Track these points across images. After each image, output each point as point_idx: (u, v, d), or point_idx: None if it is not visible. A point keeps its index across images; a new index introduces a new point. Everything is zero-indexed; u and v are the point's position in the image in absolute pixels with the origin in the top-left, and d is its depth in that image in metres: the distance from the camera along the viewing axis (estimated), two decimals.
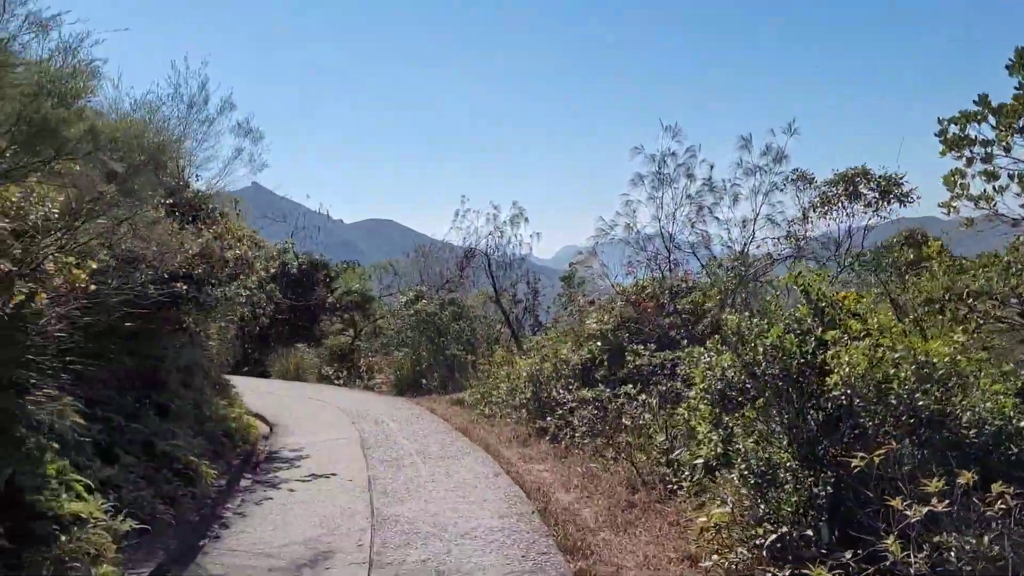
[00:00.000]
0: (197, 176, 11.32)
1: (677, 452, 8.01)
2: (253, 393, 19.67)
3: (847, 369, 5.12)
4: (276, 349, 27.09)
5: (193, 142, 9.15)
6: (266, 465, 11.17)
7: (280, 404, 17.91)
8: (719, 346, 5.90)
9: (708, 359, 5.96)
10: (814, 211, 16.67)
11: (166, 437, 8.93)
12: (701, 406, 6.08)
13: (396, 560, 6.52)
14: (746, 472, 5.41)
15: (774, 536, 5.05)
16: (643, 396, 10.42)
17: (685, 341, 9.98)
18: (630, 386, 10.52)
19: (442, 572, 6.14)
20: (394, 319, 23.22)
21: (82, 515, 6.12)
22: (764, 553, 5.22)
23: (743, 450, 5.61)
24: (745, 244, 12.08)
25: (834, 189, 16.95)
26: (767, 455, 5.53)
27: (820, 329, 5.63)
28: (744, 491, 5.60)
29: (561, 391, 13.53)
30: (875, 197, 16.98)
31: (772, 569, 5.11)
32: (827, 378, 5.30)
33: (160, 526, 7.21)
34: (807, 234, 16.35)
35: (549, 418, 12.88)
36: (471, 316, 21.79)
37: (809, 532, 4.98)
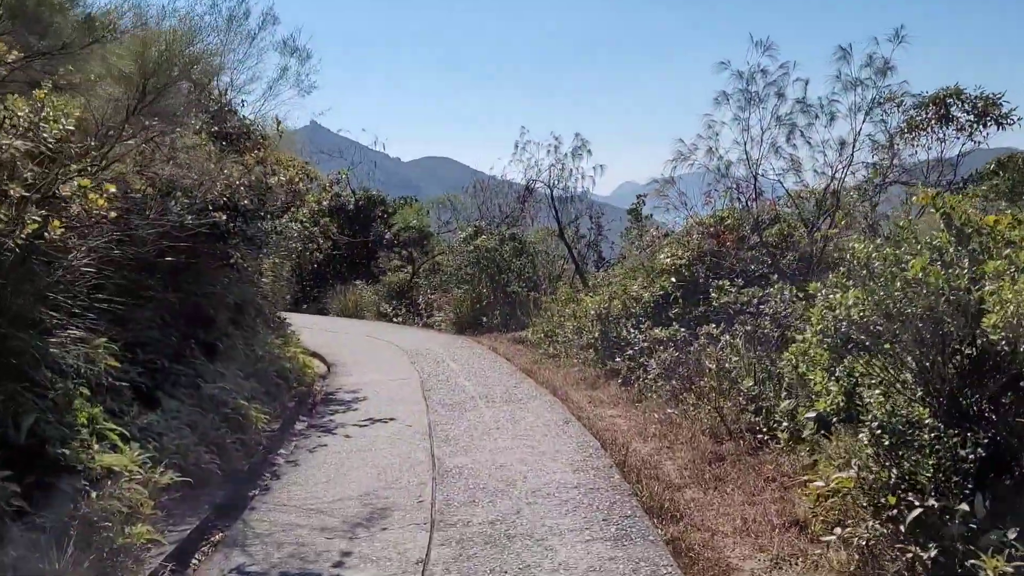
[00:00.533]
0: (243, 102, 10.55)
1: (783, 401, 7.09)
2: (311, 331, 19.27)
3: (1013, 308, 4.13)
4: (334, 286, 26.69)
5: (234, 59, 8.33)
6: (322, 408, 10.61)
7: (338, 342, 17.44)
8: (844, 280, 4.93)
9: (828, 297, 4.99)
10: (900, 137, 15.27)
11: (214, 379, 8.36)
12: (816, 351, 5.14)
13: (460, 520, 5.82)
14: (879, 431, 4.50)
15: (919, 510, 4.15)
16: (726, 336, 9.49)
17: (775, 276, 8.97)
18: (712, 326, 9.58)
19: (513, 537, 5.40)
20: (453, 255, 22.49)
21: (115, 468, 5.53)
22: (901, 528, 4.33)
23: (870, 403, 4.68)
24: (843, 168, 10.88)
25: (923, 113, 15.48)
26: (902, 410, 4.60)
27: (967, 261, 4.61)
28: (869, 451, 4.70)
29: (631, 330, 12.69)
30: (969, 120, 15.50)
31: (913, 548, 4.23)
32: (982, 319, 4.32)
33: (205, 477, 6.64)
34: (894, 161, 14.94)
35: (619, 359, 12.06)
36: (532, 252, 20.93)
37: (964, 506, 4.06)
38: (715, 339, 9.83)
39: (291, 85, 9.42)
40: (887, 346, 4.79)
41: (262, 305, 12.53)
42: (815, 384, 5.21)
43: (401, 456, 7.76)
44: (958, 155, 15.76)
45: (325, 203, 12.36)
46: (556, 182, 20.66)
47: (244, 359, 9.88)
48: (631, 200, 23.15)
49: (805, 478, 5.92)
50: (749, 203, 11.36)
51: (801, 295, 9.46)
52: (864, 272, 4.67)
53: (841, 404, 4.78)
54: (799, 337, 5.86)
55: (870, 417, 4.55)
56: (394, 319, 22.78)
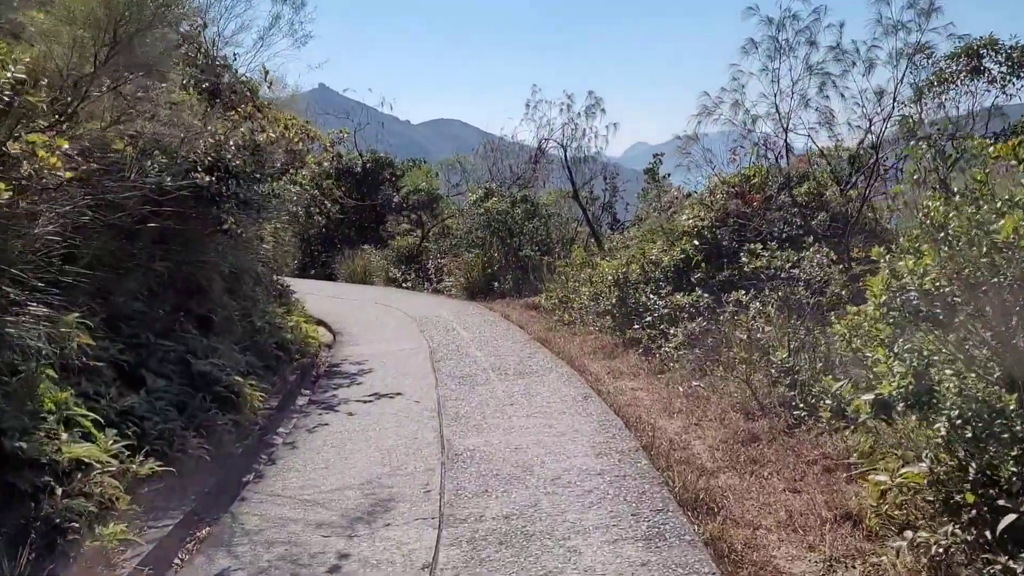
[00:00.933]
0: (235, 55, 9.84)
1: (825, 377, 6.44)
2: (318, 297, 18.71)
3: None
4: (342, 251, 26.07)
5: (221, 7, 7.61)
6: (325, 381, 10.03)
7: (345, 309, 16.87)
8: (915, 244, 4.24)
9: (895, 264, 4.30)
10: (929, 91, 14.39)
11: (206, 354, 7.76)
12: (877, 326, 4.47)
13: (472, 515, 5.22)
14: (959, 420, 3.84)
15: (1013, 516, 3.51)
16: (756, 304, 8.82)
17: (809, 237, 8.26)
18: (742, 292, 8.90)
19: (531, 536, 4.80)
20: (463, 218, 21.81)
21: (85, 460, 4.95)
22: (987, 534, 3.70)
23: (948, 388, 4.02)
24: (883, 121, 10.09)
25: (953, 65, 14.58)
26: (978, 394, 3.94)
27: None
28: (943, 441, 4.05)
29: (651, 296, 12.03)
30: (1002, 72, 14.60)
31: (1001, 558, 3.60)
32: None
33: (193, 464, 6.06)
34: (922, 116, 14.05)
35: (638, 326, 11.42)
36: (545, 214, 20.20)
37: None
38: (744, 307, 9.17)
39: (284, 34, 8.72)
40: (965, 320, 4.12)
41: (262, 273, 11.92)
42: (874, 363, 4.54)
43: (407, 437, 7.17)
44: (991, 108, 14.87)
45: (327, 164, 11.63)
46: (569, 142, 19.84)
47: (241, 331, 9.29)
48: (643, 161, 22.30)
49: (857, 463, 5.29)
50: (778, 160, 10.60)
51: (836, 259, 8.77)
52: (941, 235, 3.98)
53: (910, 387, 4.10)
54: (850, 310, 5.17)
55: (948, 404, 3.88)
56: (403, 284, 22.17)
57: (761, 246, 8.29)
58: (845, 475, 5.87)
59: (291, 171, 10.32)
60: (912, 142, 8.24)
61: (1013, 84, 14.54)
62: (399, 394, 8.93)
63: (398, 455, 6.61)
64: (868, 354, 4.64)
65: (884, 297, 4.26)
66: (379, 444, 6.97)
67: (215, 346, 8.01)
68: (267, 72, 10.77)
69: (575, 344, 11.77)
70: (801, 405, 7.30)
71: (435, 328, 13.72)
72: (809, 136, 10.68)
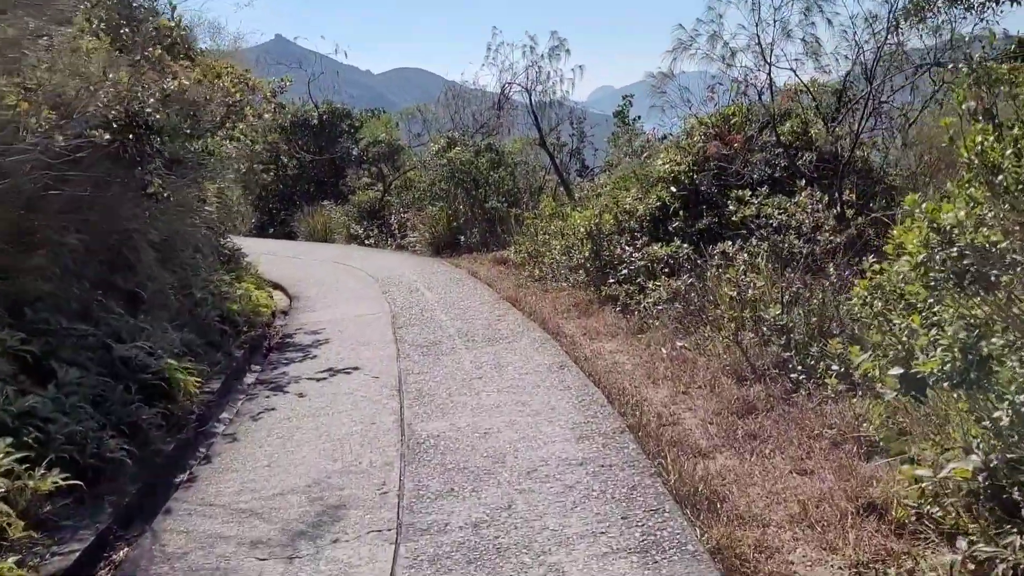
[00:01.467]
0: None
1: (832, 340, 5.73)
2: (275, 258, 17.75)
3: None
4: (302, 208, 24.95)
5: None
6: (277, 355, 9.19)
7: (304, 270, 15.95)
8: (964, 189, 3.46)
9: (934, 213, 3.52)
10: (905, 20, 13.56)
11: (132, 336, 6.86)
12: (913, 287, 3.72)
13: (435, 523, 4.45)
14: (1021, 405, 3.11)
15: None
16: (743, 255, 8.07)
17: (802, 181, 7.48)
18: (729, 243, 8.14)
19: (504, 551, 4.05)
20: (425, 170, 20.80)
21: None
22: None
23: (1004, 364, 3.28)
24: (877, 48, 9.27)
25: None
26: None
27: None
28: (999, 429, 3.33)
29: (626, 248, 11.26)
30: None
31: None
32: None
33: (111, 470, 5.23)
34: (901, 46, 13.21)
35: (613, 280, 10.68)
36: (511, 163, 19.24)
37: None
38: (730, 259, 8.43)
39: None
40: (1007, 280, 3.37)
41: (206, 237, 10.94)
42: (904, 331, 3.80)
43: (364, 422, 6.38)
44: (970, 37, 14.08)
45: (267, 116, 10.59)
46: (534, 86, 18.78)
47: (178, 306, 8.38)
48: (608, 105, 21.40)
49: (871, 437, 4.59)
50: (760, 97, 9.78)
51: (828, 204, 8.03)
52: (999, 179, 3.20)
53: (957, 364, 3.37)
54: (868, 268, 4.41)
55: (1014, 387, 3.15)
56: (366, 241, 21.21)
57: (749, 192, 7.50)
58: (857, 449, 5.20)
59: (228, 125, 9.30)
60: (953, 65, 7.46)
61: (992, 10, 13.76)
62: (356, 368, 8.11)
63: (352, 446, 5.82)
64: (896, 321, 3.88)
65: (922, 255, 3.49)
66: (331, 432, 6.17)
67: (143, 326, 7.11)
68: (174, 7, 9.56)
69: (547, 302, 11.00)
70: (799, 368, 6.63)
71: (398, 289, 12.87)
72: (793, 70, 9.85)
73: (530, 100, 18.51)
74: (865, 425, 5.32)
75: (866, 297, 4.19)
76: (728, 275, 8.00)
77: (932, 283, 3.51)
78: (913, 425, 4.16)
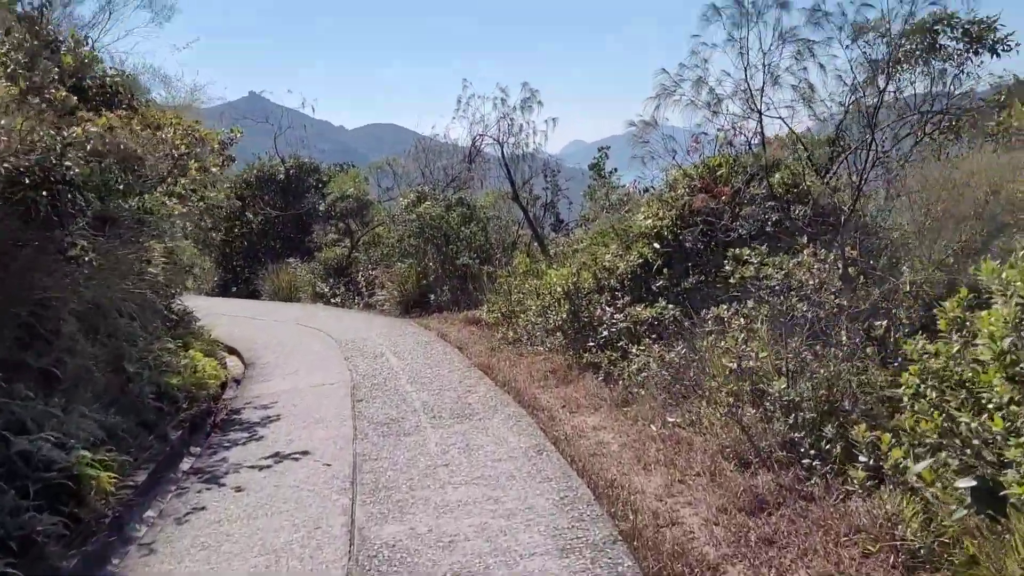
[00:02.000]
0: (86, 39, 7.91)
1: (859, 427, 4.90)
2: (234, 320, 16.79)
3: None
4: (267, 265, 24.01)
5: None
6: (219, 436, 8.20)
7: (263, 332, 14.97)
8: None
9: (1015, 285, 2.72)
10: (882, 73, 13.07)
11: (40, 425, 5.88)
12: (991, 380, 2.91)
13: None
14: None
15: None
16: (740, 320, 7.26)
17: (803, 237, 6.73)
18: (723, 307, 7.34)
19: None
20: (394, 225, 20.01)
21: None
22: None
23: None
24: (879, 94, 8.65)
25: (908, 43, 13.29)
26: None
27: None
28: None
29: (607, 308, 10.46)
30: (958, 49, 13.39)
31: None
32: None
33: None
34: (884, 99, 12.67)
35: (593, 343, 9.87)
36: (483, 217, 18.50)
37: None
38: (725, 323, 7.62)
39: (145, 5, 6.82)
40: None
41: (149, 302, 9.97)
42: (978, 432, 2.97)
43: (308, 526, 5.40)
44: (947, 91, 13.60)
45: (215, 170, 9.73)
46: (506, 138, 18.15)
47: (104, 383, 7.40)
48: (580, 159, 20.83)
49: (921, 550, 3.73)
50: (750, 146, 9.11)
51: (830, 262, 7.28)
52: None
53: None
54: (910, 348, 3.59)
55: None
56: (332, 300, 20.27)
57: (748, 250, 6.71)
58: (894, 559, 4.33)
59: (169, 180, 8.43)
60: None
61: (971, 61, 13.32)
62: (307, 453, 7.14)
63: (290, 561, 4.84)
64: (964, 419, 3.04)
65: (1008, 338, 2.67)
66: (267, 542, 5.19)
67: (54, 412, 6.12)
68: (122, 74, 8.72)
69: (522, 368, 10.13)
70: (811, 452, 5.79)
71: (361, 354, 11.93)
72: (783, 120, 9.19)
73: (502, 152, 17.86)
74: (901, 528, 4.47)
75: (918, 386, 3.36)
76: (724, 343, 7.17)
77: (1020, 377, 2.68)
78: (983, 549, 3.30)
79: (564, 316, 10.80)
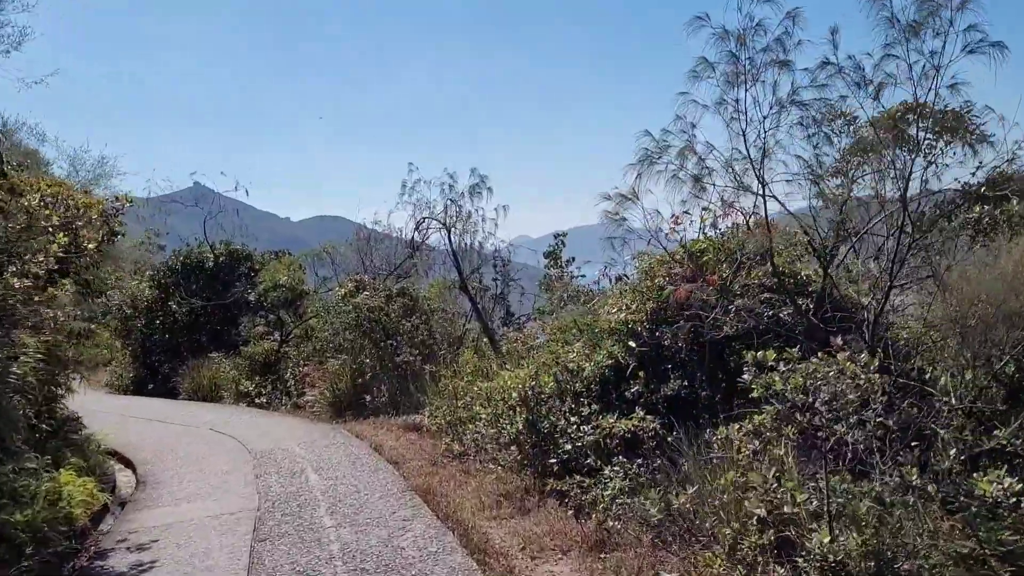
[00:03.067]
0: None
1: None
2: (140, 424, 14.70)
3: None
4: (188, 360, 21.84)
5: None
6: None
7: (169, 441, 12.86)
8: None
9: None
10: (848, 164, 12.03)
11: None
12: None
13: None
14: None
15: None
16: (755, 442, 5.63)
17: (838, 337, 5.20)
18: (735, 427, 5.73)
19: None
20: (330, 317, 18.21)
21: None
22: None
23: None
24: (910, 161, 7.34)
25: (873, 132, 12.25)
26: None
27: None
28: None
29: (571, 418, 8.82)
30: (929, 140, 12.46)
31: None
32: None
33: None
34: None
35: (555, 460, 8.21)
36: (427, 310, 16.84)
37: None
38: (723, 445, 6.00)
39: None
40: None
41: (9, 410, 7.98)
42: None
43: None
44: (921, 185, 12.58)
45: (91, 245, 7.93)
46: (453, 222, 16.66)
47: None
48: (524, 255, 19.44)
49: None
50: (749, 224, 7.69)
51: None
52: None
53: None
54: None
55: None
56: (257, 400, 18.18)
57: (774, 352, 5.14)
58: None
59: (15, 261, 6.62)
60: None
61: (941, 152, 12.31)
62: None
63: None
64: None
65: None
66: None
67: None
68: None
69: (470, 492, 8.34)
70: None
71: (278, 470, 9.97)
72: (776, 198, 7.82)
73: (449, 238, 16.35)
74: None
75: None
76: (734, 474, 5.52)
77: None
78: None
79: (520, 427, 9.08)
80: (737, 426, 5.70)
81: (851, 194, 8.00)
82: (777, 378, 4.92)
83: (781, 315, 7.75)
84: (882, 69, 6.72)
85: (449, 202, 17.62)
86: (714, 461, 6.10)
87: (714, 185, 7.36)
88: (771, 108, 7.14)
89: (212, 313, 23.99)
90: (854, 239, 7.87)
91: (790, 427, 5.18)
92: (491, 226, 17.85)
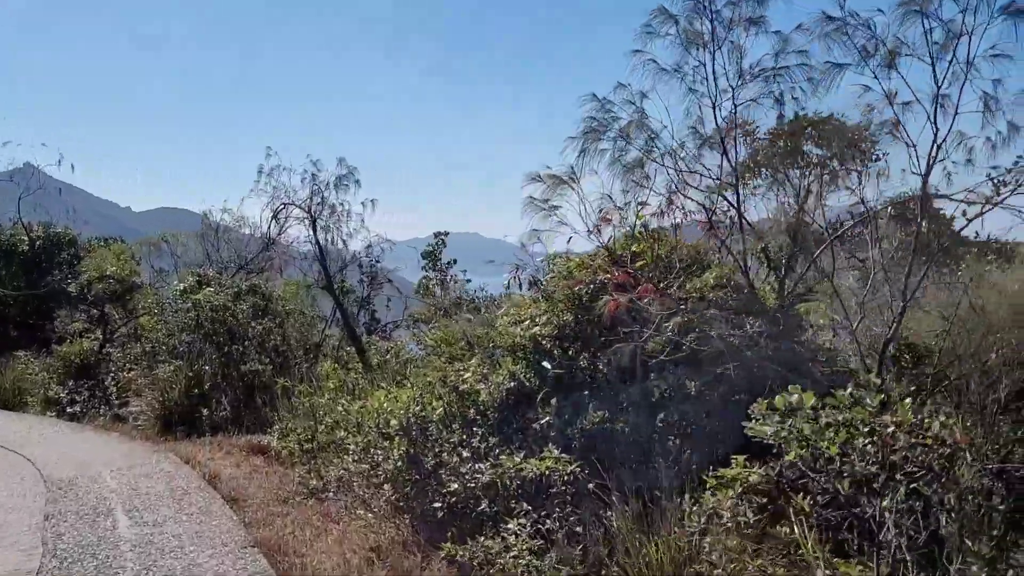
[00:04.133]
0: None
1: None
2: None
3: None
4: None
5: None
6: None
7: None
8: None
9: None
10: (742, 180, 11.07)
11: None
12: None
13: None
14: None
15: None
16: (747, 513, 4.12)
17: (876, 374, 3.75)
18: (712, 479, 4.18)
19: None
20: (165, 316, 15.69)
21: None
22: None
23: None
24: (930, 161, 6.02)
25: (773, 147, 11.37)
26: None
27: None
28: None
29: (461, 452, 7.16)
30: (827, 157, 11.71)
31: None
32: None
33: None
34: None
35: (440, 504, 6.54)
36: (282, 311, 14.68)
37: None
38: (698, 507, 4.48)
39: None
40: None
41: None
42: None
43: None
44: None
45: None
46: (319, 210, 14.57)
47: None
48: (387, 259, 17.46)
49: None
50: (730, 222, 6.24)
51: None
52: None
53: None
54: None
55: None
56: (69, 409, 15.37)
57: (812, 396, 3.62)
58: None
59: None
60: None
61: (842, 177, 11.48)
62: None
63: None
64: None
65: None
66: None
67: None
68: None
69: (332, 545, 6.51)
70: None
71: (77, 511, 7.72)
72: (724, 197, 6.47)
73: (314, 227, 14.26)
74: None
75: None
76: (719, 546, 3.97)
77: None
78: None
79: (398, 462, 7.29)
80: (713, 479, 4.17)
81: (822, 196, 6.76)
82: (806, 426, 3.41)
83: (730, 337, 6.34)
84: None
85: (315, 189, 15.48)
86: (661, 523, 4.59)
87: (666, 169, 5.86)
88: (736, 74, 5.71)
89: (24, 304, 20.67)
90: (821, 248, 6.57)
91: (803, 497, 3.68)
92: (357, 222, 15.81)
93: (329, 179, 15.36)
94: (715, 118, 5.65)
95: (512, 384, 7.41)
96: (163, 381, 13.98)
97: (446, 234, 13.98)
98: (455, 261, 14.14)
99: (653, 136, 5.75)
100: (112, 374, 15.99)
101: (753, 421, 4.84)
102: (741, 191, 6.45)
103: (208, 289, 14.47)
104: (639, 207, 6.57)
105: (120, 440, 12.19)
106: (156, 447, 11.40)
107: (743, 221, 6.69)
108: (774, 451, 5.03)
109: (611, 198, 6.04)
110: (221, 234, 19.43)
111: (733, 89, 5.70)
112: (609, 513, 5.82)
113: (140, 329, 17.32)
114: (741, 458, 4.63)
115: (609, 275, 6.77)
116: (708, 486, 4.71)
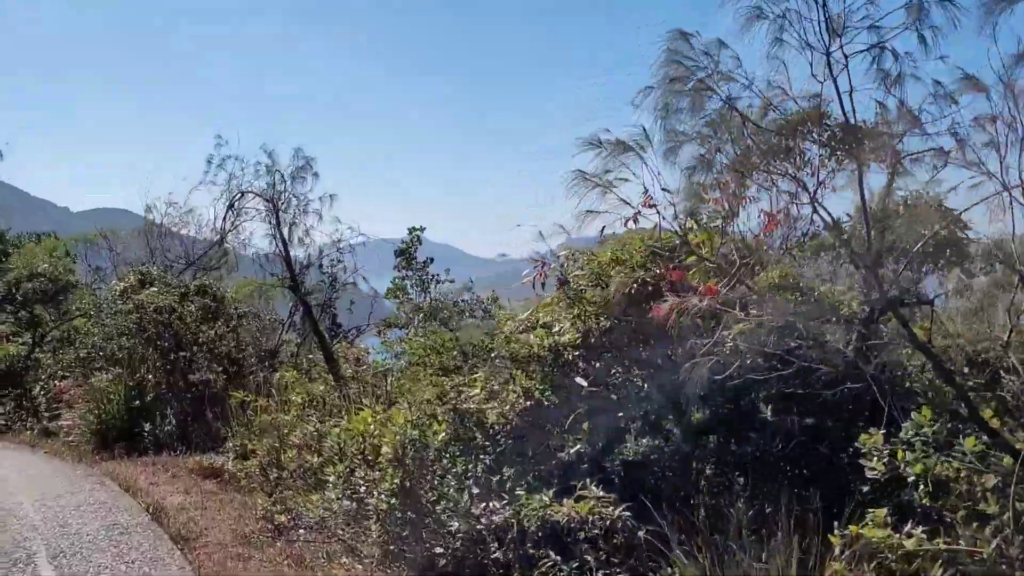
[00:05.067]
0: None
1: None
2: None
3: None
4: None
5: None
6: None
7: None
8: None
9: None
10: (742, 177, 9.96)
11: None
12: None
13: None
14: None
15: None
16: None
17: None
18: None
19: None
20: (103, 317, 14.06)
21: None
22: None
23: None
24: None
25: (774, 141, 10.30)
26: None
27: None
28: None
29: (467, 485, 5.91)
30: (822, 155, 10.72)
31: None
32: None
33: None
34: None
35: (441, 550, 5.31)
36: (235, 314, 13.20)
37: None
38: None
39: None
40: None
41: None
42: None
43: None
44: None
45: None
46: (281, 200, 13.12)
47: None
48: (360, 256, 16.07)
49: None
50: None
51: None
52: None
53: None
54: None
55: None
56: None
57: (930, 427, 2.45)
58: None
59: None
60: None
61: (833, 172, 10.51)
62: None
63: None
64: None
65: None
66: None
67: None
68: None
69: None
70: None
71: None
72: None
73: (277, 218, 12.80)
74: None
75: None
76: None
77: None
78: None
79: (389, 498, 5.98)
80: (838, 538, 2.99)
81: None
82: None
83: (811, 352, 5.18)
84: None
85: (267, 185, 14.01)
86: None
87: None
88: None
89: None
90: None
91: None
92: (314, 219, 14.36)
93: (286, 171, 13.95)
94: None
95: (528, 403, 6.16)
96: (100, 391, 12.41)
97: (422, 229, 12.68)
98: (432, 260, 12.87)
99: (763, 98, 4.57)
100: (42, 383, 14.37)
101: (874, 458, 3.73)
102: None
103: (151, 289, 12.95)
104: (719, 188, 5.35)
105: (48, 459, 10.64)
106: (90, 469, 9.89)
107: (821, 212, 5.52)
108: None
109: (692, 174, 4.78)
110: (166, 229, 17.81)
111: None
112: (671, 570, 4.63)
113: (75, 333, 15.66)
114: (881, 513, 3.46)
115: (659, 272, 5.57)
116: (833, 546, 3.54)
